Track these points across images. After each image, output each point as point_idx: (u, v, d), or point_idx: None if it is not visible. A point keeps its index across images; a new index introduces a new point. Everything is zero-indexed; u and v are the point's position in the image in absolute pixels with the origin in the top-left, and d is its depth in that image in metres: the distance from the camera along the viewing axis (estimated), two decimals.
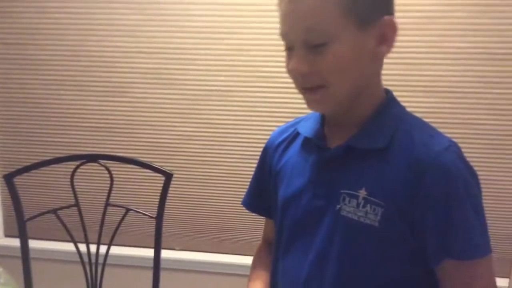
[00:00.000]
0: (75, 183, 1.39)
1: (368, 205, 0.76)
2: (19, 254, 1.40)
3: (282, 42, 0.80)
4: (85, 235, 1.39)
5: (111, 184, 1.38)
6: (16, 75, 1.85)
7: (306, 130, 0.89)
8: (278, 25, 0.79)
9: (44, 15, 1.78)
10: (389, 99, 0.83)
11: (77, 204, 1.40)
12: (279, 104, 1.71)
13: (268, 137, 1.01)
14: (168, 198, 1.39)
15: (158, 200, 1.38)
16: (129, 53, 1.77)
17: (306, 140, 0.88)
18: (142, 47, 1.76)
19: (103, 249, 1.39)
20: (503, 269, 1.71)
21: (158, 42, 1.74)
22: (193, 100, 1.77)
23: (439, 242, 0.74)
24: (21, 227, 1.38)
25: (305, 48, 0.75)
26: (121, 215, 1.38)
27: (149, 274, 1.42)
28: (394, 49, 1.68)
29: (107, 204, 1.40)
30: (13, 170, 1.37)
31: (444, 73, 1.60)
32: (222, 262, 1.87)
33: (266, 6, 1.63)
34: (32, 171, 1.39)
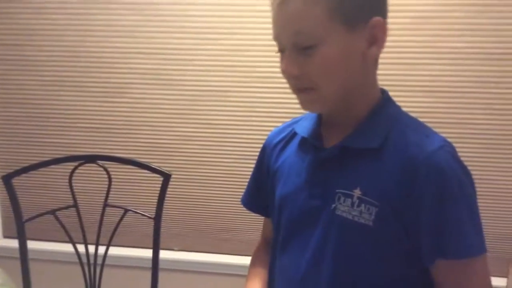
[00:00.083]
0: (73, 184, 1.39)
1: (363, 205, 0.76)
2: (17, 255, 1.40)
3: None
4: (84, 235, 1.40)
5: (110, 184, 1.39)
6: (14, 76, 1.85)
7: (303, 130, 0.89)
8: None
9: (42, 16, 1.78)
10: (384, 99, 0.84)
11: (75, 205, 1.40)
12: (277, 104, 1.71)
13: (266, 137, 1.01)
14: (166, 198, 1.39)
15: (156, 200, 1.38)
16: (127, 53, 1.77)
17: (303, 140, 0.89)
18: (140, 48, 1.76)
19: (101, 249, 1.40)
20: (501, 268, 1.72)
21: (156, 43, 1.74)
22: (192, 101, 1.78)
23: (433, 242, 0.74)
24: (19, 228, 1.38)
25: (295, 50, 0.76)
26: (120, 216, 1.39)
27: (148, 275, 1.42)
28: (391, 49, 1.69)
29: (105, 204, 1.40)
30: (12, 171, 1.37)
31: (441, 73, 1.61)
32: (221, 262, 1.87)
33: (263, 6, 1.63)
34: (31, 172, 1.39)
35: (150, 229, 1.40)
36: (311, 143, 0.86)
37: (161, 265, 1.43)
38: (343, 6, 0.73)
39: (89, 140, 1.86)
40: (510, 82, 1.58)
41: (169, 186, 1.39)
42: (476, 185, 1.78)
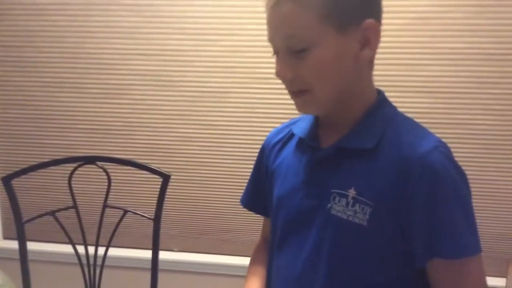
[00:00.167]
0: (73, 185, 1.39)
1: (357, 205, 0.77)
2: (17, 256, 1.40)
3: None
4: (83, 236, 1.40)
5: (109, 185, 1.39)
6: (14, 77, 1.85)
7: (300, 130, 0.90)
8: None
9: (42, 17, 1.79)
10: (380, 100, 0.84)
11: (75, 206, 1.40)
12: (277, 105, 1.71)
13: (265, 138, 1.02)
14: (166, 199, 1.40)
15: (156, 201, 1.39)
16: (127, 55, 1.77)
17: (300, 141, 0.90)
18: (140, 49, 1.76)
19: (101, 250, 1.40)
20: (500, 268, 1.72)
21: (156, 44, 1.75)
22: (191, 102, 1.78)
23: (426, 241, 0.74)
24: (19, 229, 1.39)
25: (288, 53, 0.77)
26: (119, 217, 1.39)
27: (147, 276, 1.42)
28: (390, 50, 1.70)
29: (105, 205, 1.40)
30: (11, 172, 1.38)
31: (440, 74, 1.61)
32: (221, 263, 1.88)
33: (262, 7, 1.63)
34: (30, 173, 1.40)
35: (149, 230, 1.41)
36: (308, 144, 0.87)
37: (160, 266, 1.43)
38: (335, 9, 0.73)
39: (89, 141, 1.86)
40: (508, 82, 1.59)
41: (169, 187, 1.39)
42: (475, 185, 1.78)
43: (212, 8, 1.69)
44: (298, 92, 0.80)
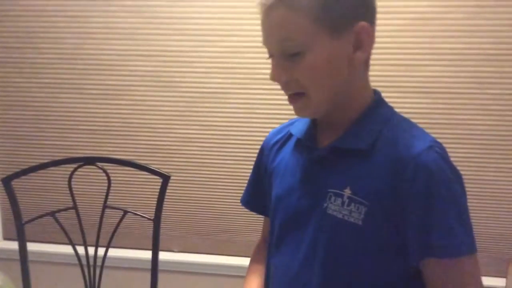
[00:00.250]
0: (73, 186, 1.40)
1: (352, 204, 0.78)
2: (17, 257, 1.40)
3: None
4: (83, 237, 1.40)
5: (109, 186, 1.39)
6: (14, 78, 1.85)
7: (298, 131, 0.91)
8: None
9: (41, 19, 1.79)
10: (377, 101, 0.85)
11: (75, 207, 1.40)
12: (277, 106, 1.71)
13: (265, 138, 1.02)
14: (166, 200, 1.40)
15: (156, 202, 1.39)
16: (126, 56, 1.77)
17: (298, 141, 0.91)
18: (139, 50, 1.76)
19: (101, 251, 1.40)
20: (500, 268, 1.72)
21: (156, 45, 1.75)
22: (191, 102, 1.78)
23: (421, 241, 0.75)
24: (19, 230, 1.39)
25: (282, 57, 0.77)
26: (119, 217, 1.39)
27: (147, 276, 1.42)
28: (389, 51, 1.70)
29: (105, 206, 1.40)
30: (11, 173, 1.38)
31: (439, 74, 1.61)
32: (221, 263, 1.88)
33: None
34: (30, 174, 1.40)
35: (149, 231, 1.41)
36: (305, 144, 0.88)
37: (160, 267, 1.43)
38: (327, 13, 0.74)
39: (89, 142, 1.86)
40: (507, 83, 1.59)
41: (169, 187, 1.39)
42: (475, 185, 1.78)
43: (212, 9, 1.69)
44: (294, 95, 0.81)
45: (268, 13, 0.77)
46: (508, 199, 1.67)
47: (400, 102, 1.59)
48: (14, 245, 1.44)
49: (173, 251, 1.93)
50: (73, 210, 1.40)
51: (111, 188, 1.40)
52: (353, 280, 0.80)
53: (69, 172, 1.38)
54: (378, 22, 1.69)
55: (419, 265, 0.77)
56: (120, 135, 1.85)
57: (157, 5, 1.72)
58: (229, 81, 1.74)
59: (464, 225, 0.75)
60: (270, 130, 1.03)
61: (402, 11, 1.59)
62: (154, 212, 1.39)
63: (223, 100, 1.76)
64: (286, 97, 0.84)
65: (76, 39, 1.79)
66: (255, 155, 1.04)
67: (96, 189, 1.80)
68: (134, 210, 1.41)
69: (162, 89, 1.78)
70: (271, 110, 1.73)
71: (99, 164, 1.40)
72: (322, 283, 0.81)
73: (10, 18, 1.80)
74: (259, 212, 1.06)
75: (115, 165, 1.45)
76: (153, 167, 1.39)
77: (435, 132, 1.67)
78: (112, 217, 1.40)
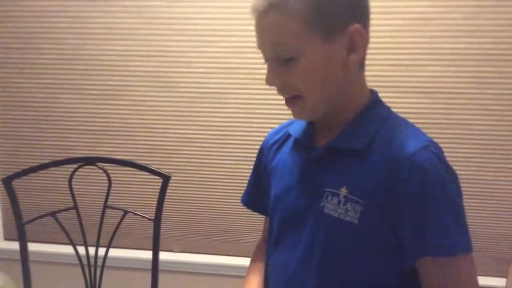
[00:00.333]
0: (73, 186, 1.40)
1: (348, 203, 0.78)
2: (18, 257, 1.40)
3: None
4: (84, 237, 1.40)
5: (109, 186, 1.39)
6: (15, 79, 1.86)
7: (296, 131, 0.92)
8: None
9: (42, 19, 1.79)
10: (373, 101, 0.85)
11: (75, 207, 1.40)
12: (277, 106, 1.71)
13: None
14: (166, 200, 1.40)
15: (156, 202, 1.39)
16: (126, 56, 1.78)
17: (296, 141, 0.92)
18: (139, 50, 1.76)
19: (101, 251, 1.40)
20: (501, 268, 1.72)
21: (155, 46, 1.75)
22: (191, 103, 1.78)
23: (415, 240, 0.75)
24: (20, 230, 1.39)
25: (277, 61, 0.78)
26: (120, 218, 1.39)
27: (148, 276, 1.42)
28: (389, 51, 1.70)
29: (105, 206, 1.41)
30: (12, 173, 1.38)
31: (439, 74, 1.61)
32: (221, 263, 1.88)
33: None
34: (31, 174, 1.40)
35: (150, 231, 1.41)
36: (303, 144, 0.89)
37: (161, 267, 1.43)
38: (319, 17, 0.74)
39: (89, 142, 1.87)
40: (507, 83, 1.59)
41: (169, 187, 1.39)
42: (475, 185, 1.78)
43: (211, 9, 1.69)
44: (291, 99, 0.81)
45: (261, 18, 0.78)
46: (508, 199, 1.67)
47: (400, 102, 1.60)
48: (15, 245, 1.45)
49: (173, 251, 1.93)
50: (74, 210, 1.40)
51: (112, 188, 1.40)
52: (350, 279, 0.81)
53: (70, 172, 1.39)
54: (378, 22, 1.70)
55: (415, 264, 0.77)
56: (120, 135, 1.85)
57: (157, 6, 1.72)
58: (229, 81, 1.74)
59: (460, 225, 0.75)
60: (269, 130, 1.04)
61: (402, 11, 1.59)
62: (154, 212, 1.39)
63: (222, 100, 1.76)
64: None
65: (76, 39, 1.79)
66: (255, 155, 1.04)
67: (96, 189, 1.80)
68: (134, 210, 1.41)
69: (162, 89, 1.79)
70: (270, 110, 1.73)
71: (100, 164, 1.40)
72: (319, 282, 0.82)
73: (11, 18, 1.81)
74: (260, 211, 1.06)
75: (116, 165, 1.45)
76: (153, 167, 1.40)
77: (435, 132, 1.67)
78: (112, 217, 1.40)
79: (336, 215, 0.79)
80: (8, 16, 1.81)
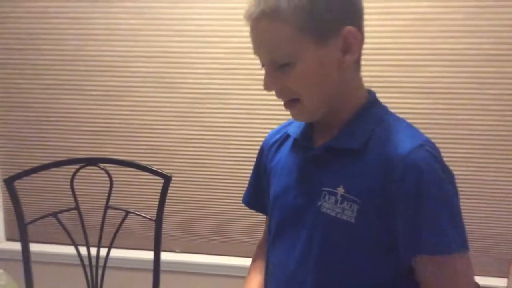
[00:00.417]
0: (75, 187, 1.40)
1: (345, 202, 0.79)
2: (20, 257, 1.41)
3: None
4: (86, 238, 1.40)
5: (111, 187, 1.39)
6: (16, 79, 1.86)
7: (295, 131, 0.93)
8: None
9: (43, 20, 1.80)
10: (370, 101, 0.86)
11: (77, 207, 1.41)
12: (277, 107, 1.71)
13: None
14: (168, 200, 1.40)
15: (157, 202, 1.39)
16: (128, 57, 1.78)
17: (295, 141, 0.92)
18: (140, 51, 1.77)
19: (103, 251, 1.40)
20: (502, 268, 1.72)
21: (157, 46, 1.76)
22: (192, 103, 1.79)
23: (410, 238, 0.75)
24: (22, 231, 1.39)
25: (273, 67, 0.79)
26: (121, 218, 1.40)
27: (149, 277, 1.43)
28: (390, 51, 1.70)
29: (107, 207, 1.41)
30: (14, 174, 1.39)
31: (440, 75, 1.61)
32: (222, 264, 1.88)
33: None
34: (33, 175, 1.41)
35: (151, 231, 1.41)
36: (301, 144, 0.90)
37: (162, 267, 1.44)
38: (311, 22, 0.75)
39: (91, 143, 1.87)
40: (508, 83, 1.59)
41: (171, 188, 1.40)
42: (475, 185, 1.78)
43: (212, 10, 1.70)
44: (289, 101, 0.82)
45: (254, 25, 0.78)
46: (508, 199, 1.67)
47: (400, 103, 1.60)
48: (16, 246, 1.45)
49: (175, 251, 1.93)
50: (75, 211, 1.40)
51: (113, 188, 1.40)
52: (348, 278, 0.81)
53: (71, 173, 1.39)
54: (379, 23, 1.70)
55: (411, 262, 0.78)
56: (121, 136, 1.85)
57: (158, 7, 1.72)
58: (230, 82, 1.74)
59: (454, 223, 0.75)
60: (271, 130, 1.04)
61: (403, 12, 1.59)
62: (155, 213, 1.40)
63: (224, 101, 1.76)
64: None
65: (77, 40, 1.79)
66: (256, 155, 1.05)
67: (98, 189, 1.81)
68: (136, 211, 1.41)
69: (163, 90, 1.79)
70: (271, 111, 1.73)
71: (101, 165, 1.40)
72: (317, 281, 0.83)
73: (12, 19, 1.81)
74: (261, 211, 1.07)
75: (117, 165, 1.46)
76: (154, 167, 1.40)
77: (435, 133, 1.68)
78: (114, 217, 1.40)
79: (333, 214, 0.80)
80: (9, 17, 1.81)
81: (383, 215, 0.77)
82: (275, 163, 0.95)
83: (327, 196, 0.81)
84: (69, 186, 1.40)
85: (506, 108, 1.61)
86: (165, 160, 1.84)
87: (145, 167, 1.41)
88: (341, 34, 0.76)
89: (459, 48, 1.59)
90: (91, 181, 1.82)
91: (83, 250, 1.41)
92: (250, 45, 1.80)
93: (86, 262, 1.41)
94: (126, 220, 1.40)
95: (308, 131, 0.90)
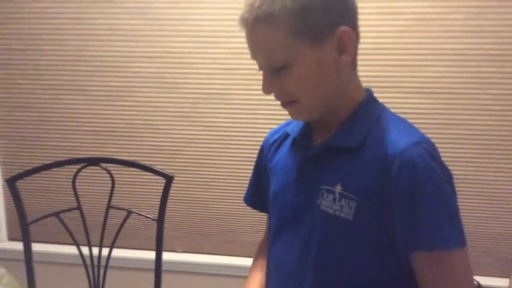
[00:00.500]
0: (77, 186, 1.40)
1: (343, 200, 0.79)
2: (22, 257, 1.41)
3: None
4: (88, 238, 1.41)
5: (113, 187, 1.40)
6: (18, 80, 1.87)
7: (294, 130, 0.94)
8: None
9: (44, 21, 1.80)
10: (368, 99, 0.86)
11: (79, 207, 1.41)
12: (279, 107, 1.70)
13: None
14: (169, 200, 1.41)
15: (159, 202, 1.40)
16: (129, 57, 1.78)
17: (294, 140, 0.93)
18: (142, 52, 1.77)
19: (105, 251, 1.41)
20: (503, 268, 1.72)
21: (158, 47, 1.76)
22: (194, 103, 1.79)
23: (407, 235, 0.76)
24: (24, 230, 1.40)
25: (270, 70, 0.80)
26: (123, 218, 1.40)
27: (151, 276, 1.43)
28: (391, 51, 1.70)
29: (108, 207, 1.41)
30: (16, 174, 1.39)
31: (441, 75, 1.62)
32: (224, 264, 1.88)
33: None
34: (35, 175, 1.41)
35: (153, 231, 1.41)
36: (300, 143, 0.90)
37: (164, 267, 1.44)
38: (305, 25, 0.75)
39: (92, 143, 1.87)
40: (508, 83, 1.59)
41: (172, 188, 1.40)
42: (475, 185, 1.78)
43: (214, 10, 1.70)
44: (287, 102, 0.83)
45: (249, 31, 0.79)
46: (508, 199, 1.67)
47: (401, 103, 1.60)
48: (19, 246, 1.45)
49: (176, 251, 1.94)
50: (77, 211, 1.40)
51: (115, 188, 1.40)
52: (346, 277, 0.81)
53: (73, 173, 1.39)
54: (380, 23, 1.71)
55: (409, 259, 0.78)
56: (123, 136, 1.86)
57: (159, 7, 1.73)
58: (232, 82, 1.75)
59: (451, 219, 0.75)
60: (270, 130, 1.05)
61: (404, 12, 1.59)
62: (157, 213, 1.40)
63: (225, 101, 1.77)
64: None
65: (79, 41, 1.80)
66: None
67: (100, 189, 1.81)
68: (137, 211, 1.42)
69: (165, 90, 1.79)
70: (273, 111, 1.74)
71: (103, 164, 1.40)
72: (317, 281, 0.83)
73: (13, 20, 1.82)
74: (262, 210, 1.07)
75: (119, 165, 1.46)
76: (156, 167, 1.40)
77: (436, 132, 1.68)
78: (116, 217, 1.41)
79: (331, 211, 0.80)
80: (11, 17, 1.81)
81: (381, 213, 0.77)
82: (275, 162, 0.96)
83: (325, 194, 0.82)
84: (71, 186, 1.40)
85: (507, 108, 1.61)
86: (167, 160, 1.84)
87: (147, 167, 1.41)
88: (336, 34, 0.77)
89: (460, 48, 1.59)
90: (93, 181, 1.82)
91: (85, 250, 1.41)
92: None
93: (88, 262, 1.42)
94: (128, 220, 1.41)
95: (307, 130, 0.91)
